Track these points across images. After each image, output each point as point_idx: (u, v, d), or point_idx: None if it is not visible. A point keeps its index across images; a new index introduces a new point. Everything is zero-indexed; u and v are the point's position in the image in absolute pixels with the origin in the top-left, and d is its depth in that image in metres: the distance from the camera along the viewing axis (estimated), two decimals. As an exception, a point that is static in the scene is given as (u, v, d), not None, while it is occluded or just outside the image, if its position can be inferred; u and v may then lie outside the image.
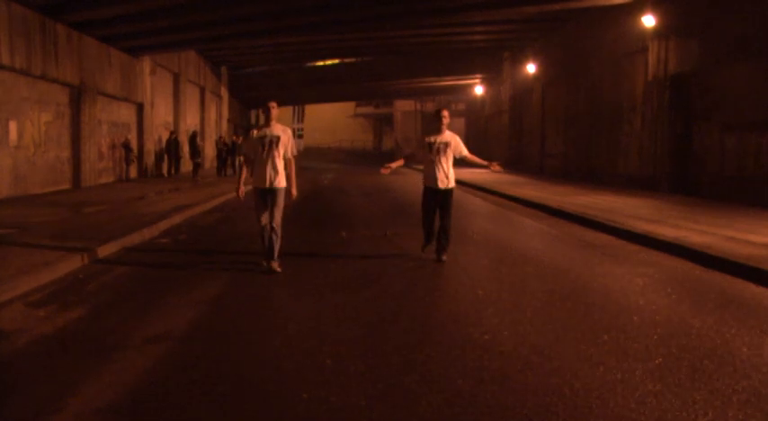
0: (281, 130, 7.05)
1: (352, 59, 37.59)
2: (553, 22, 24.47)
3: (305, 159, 48.25)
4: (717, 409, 3.44)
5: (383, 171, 8.04)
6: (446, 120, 7.73)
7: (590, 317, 5.27)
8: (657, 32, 16.81)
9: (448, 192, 7.69)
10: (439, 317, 5.38)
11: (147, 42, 21.07)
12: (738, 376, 3.93)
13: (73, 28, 17.20)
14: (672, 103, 16.40)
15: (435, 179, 7.64)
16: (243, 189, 7.23)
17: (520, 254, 8.36)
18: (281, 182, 7.00)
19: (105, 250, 8.14)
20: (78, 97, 17.89)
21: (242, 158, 8.09)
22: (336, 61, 38.95)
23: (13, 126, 14.79)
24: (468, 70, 35.30)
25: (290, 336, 4.80)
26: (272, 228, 6.98)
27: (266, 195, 6.98)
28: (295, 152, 7.16)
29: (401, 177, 28.49)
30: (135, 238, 9.24)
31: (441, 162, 7.62)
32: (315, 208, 14.79)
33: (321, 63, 38.70)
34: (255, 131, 7.23)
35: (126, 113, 22.18)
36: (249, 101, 40.14)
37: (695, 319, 5.23)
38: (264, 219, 7.04)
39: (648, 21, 16.84)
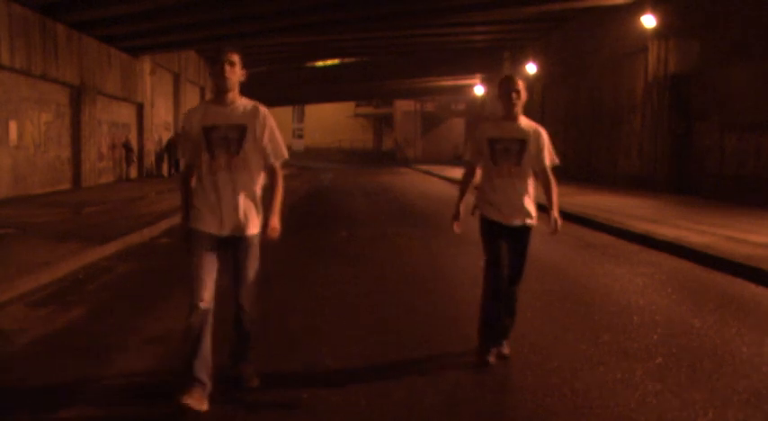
0: (248, 112, 3.57)
1: (352, 59, 37.59)
2: (553, 22, 24.48)
3: (305, 159, 48.34)
4: (717, 409, 3.44)
5: (456, 229, 4.57)
6: (521, 97, 4.23)
7: (590, 318, 5.27)
8: (657, 32, 16.81)
9: (523, 231, 4.30)
10: (439, 317, 5.38)
11: (147, 42, 21.08)
12: (738, 376, 3.93)
13: (73, 28, 17.21)
14: (672, 103, 16.41)
15: (502, 206, 4.25)
16: (187, 230, 3.66)
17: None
18: (251, 224, 3.57)
19: (105, 250, 8.13)
20: (78, 97, 17.89)
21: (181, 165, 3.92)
22: (336, 61, 38.96)
23: (13, 126, 14.79)
24: (468, 70, 35.30)
25: (290, 333, 4.80)
26: (240, 311, 3.67)
27: (219, 248, 3.56)
28: (285, 154, 3.68)
29: (400, 177, 28.50)
30: (135, 238, 9.24)
31: (510, 174, 4.23)
32: (315, 207, 14.79)
33: (321, 63, 38.71)
34: (195, 113, 3.64)
35: (126, 113, 22.19)
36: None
37: (695, 319, 5.23)
38: (207, 295, 3.46)
39: (648, 21, 16.84)
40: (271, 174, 3.68)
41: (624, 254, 8.39)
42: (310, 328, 4.97)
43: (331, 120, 62.28)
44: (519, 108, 4.25)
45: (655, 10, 16.72)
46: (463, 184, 4.64)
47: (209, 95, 31.79)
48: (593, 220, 10.88)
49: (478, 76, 36.23)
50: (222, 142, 3.50)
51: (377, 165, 43.72)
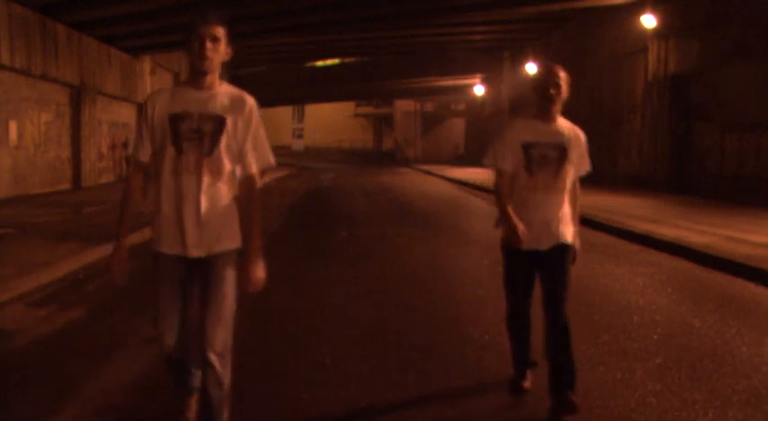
0: (231, 102, 2.79)
1: (352, 59, 37.61)
2: (553, 22, 24.50)
3: (305, 159, 48.33)
4: (717, 409, 3.44)
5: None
6: (562, 92, 3.48)
7: (590, 318, 5.26)
8: (657, 32, 16.81)
9: (559, 253, 3.53)
10: (439, 317, 5.38)
11: (147, 42, 21.08)
12: (738, 376, 3.93)
13: (73, 28, 17.21)
14: (672, 103, 16.41)
15: (532, 227, 3.47)
16: (122, 260, 2.96)
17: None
18: (224, 241, 2.81)
19: (105, 250, 8.13)
20: (78, 97, 17.89)
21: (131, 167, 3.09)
22: (336, 61, 38.98)
23: (13, 126, 14.80)
24: (468, 70, 35.31)
25: (290, 333, 4.80)
26: (206, 365, 2.77)
27: (187, 272, 2.85)
28: (271, 160, 2.88)
29: (400, 177, 28.49)
30: (135, 238, 9.21)
31: (546, 187, 3.50)
32: (315, 207, 14.79)
33: (321, 63, 38.73)
34: (161, 96, 2.85)
35: (126, 113, 22.19)
36: (249, 101, 40.14)
37: (695, 319, 5.23)
38: (173, 332, 2.86)
39: (648, 21, 16.84)
40: (246, 185, 2.81)
41: (624, 254, 8.39)
42: (310, 328, 4.97)
43: (331, 120, 62.30)
44: (558, 106, 3.49)
45: (655, 10, 16.72)
46: (502, 197, 3.56)
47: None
48: (594, 220, 10.87)
49: (478, 76, 36.25)
50: (193, 136, 2.73)
51: (377, 164, 43.74)
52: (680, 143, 16.18)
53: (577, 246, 3.64)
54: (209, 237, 2.76)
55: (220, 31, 2.72)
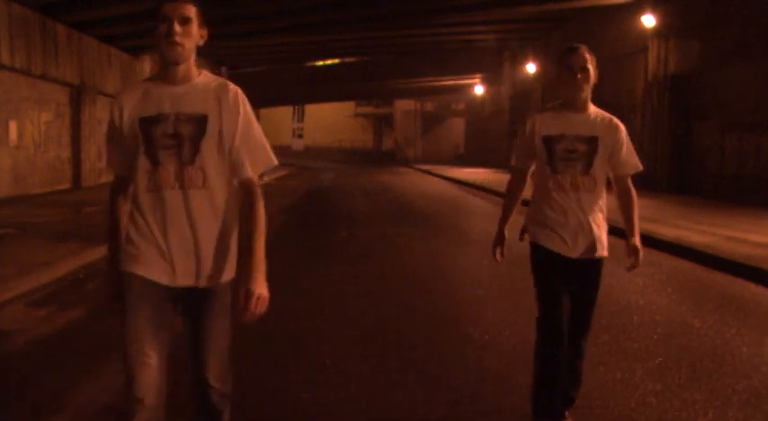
0: (211, 94, 2.32)
1: (352, 59, 37.61)
2: (553, 22, 24.50)
3: (305, 159, 48.34)
4: (717, 409, 3.44)
5: (498, 257, 3.54)
6: (591, 78, 3.23)
7: (590, 317, 5.26)
8: (657, 32, 16.82)
9: (592, 266, 3.21)
10: (439, 317, 5.38)
11: (147, 42, 21.04)
12: (738, 376, 3.93)
13: (73, 28, 17.21)
14: (672, 103, 16.41)
15: (563, 231, 3.11)
16: (111, 294, 2.49)
17: (520, 254, 8.34)
18: (218, 270, 2.30)
19: (105, 250, 8.12)
20: (78, 97, 17.90)
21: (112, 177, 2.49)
22: (336, 61, 38.98)
23: (13, 126, 14.79)
24: (468, 70, 35.33)
25: (290, 333, 4.80)
26: (205, 386, 2.38)
27: (169, 304, 2.32)
28: (272, 159, 2.38)
29: (400, 177, 28.49)
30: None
31: (575, 186, 3.07)
32: (315, 207, 14.79)
33: (321, 63, 38.72)
34: (129, 96, 2.31)
35: (126, 113, 22.19)
36: (249, 100, 40.15)
37: (695, 319, 5.23)
38: (153, 382, 2.30)
39: (648, 21, 16.85)
40: (245, 192, 2.31)
41: (624, 253, 8.37)
42: (310, 328, 4.97)
43: (331, 120, 62.30)
44: (587, 93, 3.13)
45: (655, 10, 16.72)
46: (508, 199, 3.37)
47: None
48: (593, 220, 10.88)
49: (478, 75, 36.26)
50: (170, 142, 2.23)
51: (377, 164, 43.74)
52: (680, 143, 16.18)
53: (641, 254, 3.25)
54: (204, 266, 2.27)
55: (191, 10, 2.32)
